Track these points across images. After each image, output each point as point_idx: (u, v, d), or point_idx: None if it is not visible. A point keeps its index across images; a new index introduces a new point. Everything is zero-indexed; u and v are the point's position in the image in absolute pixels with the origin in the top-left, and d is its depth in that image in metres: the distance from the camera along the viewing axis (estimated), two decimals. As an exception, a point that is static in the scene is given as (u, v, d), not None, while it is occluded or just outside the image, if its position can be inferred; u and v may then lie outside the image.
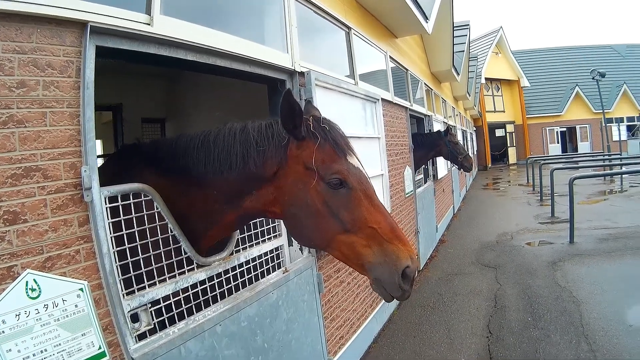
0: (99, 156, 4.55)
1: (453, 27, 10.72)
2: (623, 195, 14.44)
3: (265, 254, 3.02)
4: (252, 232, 2.90)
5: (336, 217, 2.02)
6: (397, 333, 5.18)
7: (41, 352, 1.59)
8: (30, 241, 1.58)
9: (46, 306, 1.61)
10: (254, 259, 2.86)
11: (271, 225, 3.08)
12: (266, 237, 3.02)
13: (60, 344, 1.64)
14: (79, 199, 1.73)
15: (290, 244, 3.34)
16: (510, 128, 35.96)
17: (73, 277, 1.70)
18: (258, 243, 2.95)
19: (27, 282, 1.56)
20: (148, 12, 2.09)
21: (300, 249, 3.45)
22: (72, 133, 1.72)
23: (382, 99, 5.71)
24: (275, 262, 3.13)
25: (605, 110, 25.68)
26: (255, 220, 2.85)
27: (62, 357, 1.64)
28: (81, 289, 1.72)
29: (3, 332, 1.50)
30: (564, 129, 36.42)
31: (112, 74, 4.99)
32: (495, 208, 13.96)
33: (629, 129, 33.99)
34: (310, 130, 2.09)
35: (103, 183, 1.90)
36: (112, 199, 1.92)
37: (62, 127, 1.69)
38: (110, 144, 5.89)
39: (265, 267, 2.99)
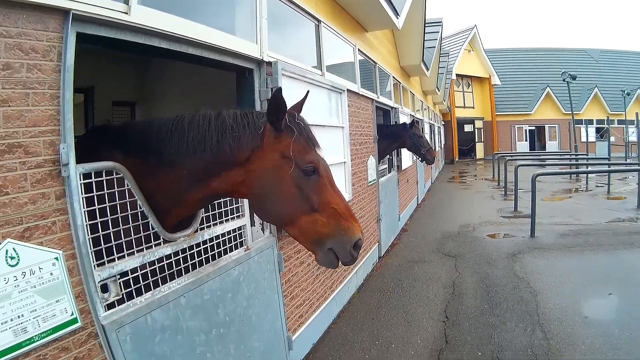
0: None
1: (425, 23, 11.00)
2: (588, 194, 15.02)
3: (229, 232, 3.16)
4: (217, 211, 3.05)
5: (305, 199, 2.34)
6: (356, 315, 5.39)
7: (18, 317, 1.71)
8: (10, 212, 1.70)
9: (24, 273, 1.74)
10: (217, 237, 3.02)
11: (235, 206, 3.24)
12: (229, 216, 3.18)
13: (36, 310, 1.77)
14: (57, 174, 1.87)
15: (252, 224, 3.49)
16: (479, 124, 36.74)
17: (49, 247, 1.83)
18: (222, 222, 3.10)
19: (7, 250, 1.68)
20: (126, 1, 2.22)
21: (262, 230, 3.63)
22: (52, 113, 1.85)
23: (348, 90, 5.89)
24: (238, 240, 3.28)
25: (575, 112, 26.47)
26: (219, 201, 3.03)
27: (37, 322, 1.77)
28: (56, 258, 1.86)
29: (-18, 298, 1.62)
30: (533, 128, 37.42)
31: (86, 56, 5.02)
32: (460, 200, 14.40)
33: (598, 130, 35.04)
34: (287, 124, 2.37)
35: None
36: (86, 175, 2.06)
37: (43, 107, 1.82)
38: (81, 125, 5.91)
39: (227, 245, 3.14)
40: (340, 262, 2.40)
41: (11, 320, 1.69)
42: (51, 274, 1.84)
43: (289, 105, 2.42)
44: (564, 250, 7.60)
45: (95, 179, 2.11)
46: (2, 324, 1.66)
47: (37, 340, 1.77)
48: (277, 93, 2.26)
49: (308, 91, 2.80)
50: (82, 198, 2.01)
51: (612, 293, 5.54)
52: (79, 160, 2.00)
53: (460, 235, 9.29)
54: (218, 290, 2.93)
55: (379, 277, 6.83)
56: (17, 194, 1.73)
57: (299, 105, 2.72)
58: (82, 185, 2.02)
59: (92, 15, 2.03)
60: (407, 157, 10.85)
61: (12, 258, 1.70)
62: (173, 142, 2.43)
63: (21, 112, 1.74)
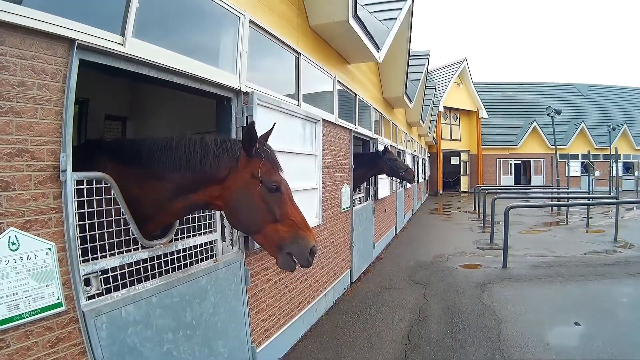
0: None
1: (409, 56, 11.54)
2: (567, 227, 15.50)
3: (200, 245, 3.61)
4: (191, 225, 3.50)
5: (270, 211, 2.94)
6: (323, 335, 5.72)
7: (13, 294, 2.09)
8: (16, 205, 2.11)
9: (22, 258, 2.12)
10: (190, 248, 3.46)
11: (208, 222, 3.69)
12: (202, 231, 3.63)
13: (28, 290, 2.15)
14: (56, 178, 2.29)
15: (223, 239, 3.92)
16: (464, 157, 37.51)
17: (45, 239, 2.24)
18: (195, 235, 3.54)
19: (9, 237, 2.08)
20: (122, 34, 2.69)
21: (232, 245, 4.03)
22: (55, 126, 2.28)
23: (324, 120, 6.32)
24: (209, 253, 3.71)
25: (561, 147, 27.02)
26: (194, 216, 3.52)
27: (28, 301, 2.15)
28: (49, 249, 2.26)
29: (-15, 274, 2.00)
30: (519, 162, 38.15)
31: (84, 70, 5.27)
32: (438, 231, 14.83)
33: (583, 165, 35.87)
34: (257, 151, 2.95)
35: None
36: (80, 182, 2.48)
37: (49, 121, 2.25)
38: (75, 135, 6.08)
39: (199, 257, 3.58)
40: (298, 265, 3.02)
41: (7, 296, 2.07)
42: (44, 261, 2.23)
43: (259, 133, 3.02)
44: (534, 281, 7.95)
45: (87, 186, 2.54)
46: (-2, 298, 2.04)
47: (27, 317, 2.14)
48: (251, 126, 2.88)
49: (275, 123, 3.38)
50: (75, 201, 2.43)
51: (577, 322, 5.85)
52: (75, 167, 2.42)
53: (433, 264, 9.64)
54: (187, 294, 3.32)
55: (349, 301, 7.17)
56: (23, 191, 2.14)
57: (267, 135, 3.29)
58: (76, 190, 2.44)
59: (94, 45, 2.49)
60: (384, 187, 11.21)
61: (13, 244, 2.10)
62: (162, 158, 2.94)
63: (31, 124, 2.17)
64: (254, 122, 2.95)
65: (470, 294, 7.26)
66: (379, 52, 7.76)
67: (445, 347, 5.24)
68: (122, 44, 2.68)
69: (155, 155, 2.95)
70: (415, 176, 9.87)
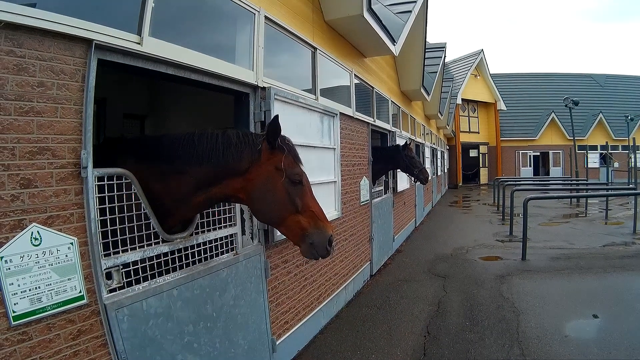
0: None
1: (425, 48, 11.43)
2: (586, 219, 15.30)
3: (221, 238, 3.62)
4: (212, 218, 3.52)
5: (292, 202, 2.97)
6: (342, 327, 5.72)
7: (35, 288, 2.12)
8: (38, 202, 2.14)
9: (44, 252, 2.16)
10: (210, 242, 3.47)
11: (228, 215, 3.71)
12: (223, 224, 3.64)
13: (50, 284, 2.19)
14: (77, 174, 2.32)
15: (243, 232, 3.92)
16: (483, 149, 37.08)
17: (67, 233, 2.27)
18: (215, 229, 3.55)
19: (32, 232, 2.11)
20: (139, 33, 2.71)
21: (251, 238, 4.03)
22: (75, 125, 2.31)
23: (342, 114, 6.29)
24: (229, 246, 3.73)
25: (580, 138, 26.52)
26: (214, 210, 3.54)
27: (50, 294, 2.19)
28: (71, 243, 2.29)
29: (9, 269, 2.03)
30: (537, 153, 37.67)
31: (102, 68, 5.31)
32: (458, 224, 14.70)
33: (601, 156, 35.25)
34: (279, 144, 2.99)
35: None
36: (100, 178, 2.51)
37: (69, 120, 2.28)
38: (93, 135, 6.12)
39: (219, 250, 3.60)
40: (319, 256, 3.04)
41: (29, 290, 2.11)
42: (66, 255, 2.27)
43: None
44: (553, 273, 7.86)
45: (107, 182, 2.57)
46: (21, 292, 2.07)
47: (49, 310, 2.18)
48: (275, 120, 2.93)
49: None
50: (96, 196, 2.45)
51: (596, 314, 5.77)
52: (96, 165, 2.45)
53: (452, 257, 9.60)
54: (207, 287, 3.35)
55: (369, 293, 7.16)
56: (44, 188, 2.18)
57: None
58: (97, 186, 2.47)
59: (111, 45, 2.51)
60: (403, 180, 11.13)
61: (35, 239, 2.13)
62: (183, 153, 2.96)
63: (51, 122, 2.20)
64: (278, 115, 2.97)
65: (489, 286, 7.21)
66: (394, 45, 7.69)
67: (464, 338, 5.22)
68: (139, 43, 2.70)
69: (177, 150, 2.97)
70: (429, 178, 9.78)
